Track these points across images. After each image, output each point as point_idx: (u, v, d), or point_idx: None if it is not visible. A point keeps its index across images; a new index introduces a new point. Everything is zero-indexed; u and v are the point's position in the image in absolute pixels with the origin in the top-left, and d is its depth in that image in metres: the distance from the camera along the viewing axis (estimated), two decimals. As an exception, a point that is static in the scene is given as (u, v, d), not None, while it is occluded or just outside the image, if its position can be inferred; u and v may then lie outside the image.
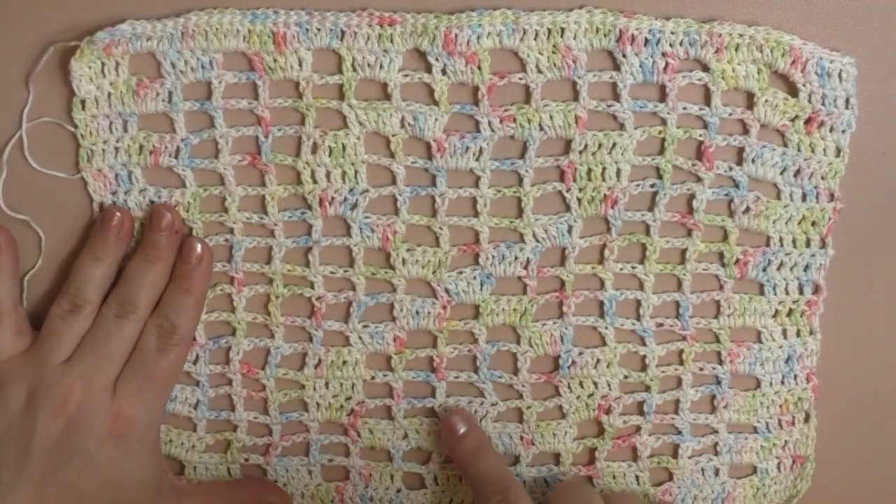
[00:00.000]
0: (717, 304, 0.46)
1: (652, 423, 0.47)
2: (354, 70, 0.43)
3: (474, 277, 0.46)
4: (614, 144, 0.44)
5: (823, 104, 0.44)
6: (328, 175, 0.45)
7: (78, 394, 0.42)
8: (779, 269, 0.46)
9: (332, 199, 0.45)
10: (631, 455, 0.48)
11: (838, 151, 0.45)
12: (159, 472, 0.44)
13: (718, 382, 0.47)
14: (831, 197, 0.45)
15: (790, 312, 0.47)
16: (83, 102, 0.44)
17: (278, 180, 0.45)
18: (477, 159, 0.44)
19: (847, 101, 0.44)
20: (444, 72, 0.43)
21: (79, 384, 0.42)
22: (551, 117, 0.44)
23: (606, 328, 0.46)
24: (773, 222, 0.45)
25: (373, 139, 0.44)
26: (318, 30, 0.43)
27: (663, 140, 0.44)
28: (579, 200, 0.45)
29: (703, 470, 0.48)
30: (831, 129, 0.44)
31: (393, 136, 0.44)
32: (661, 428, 0.48)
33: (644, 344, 0.47)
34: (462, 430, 0.46)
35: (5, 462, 0.41)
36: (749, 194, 0.45)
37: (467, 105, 0.44)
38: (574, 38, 0.43)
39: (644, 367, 0.47)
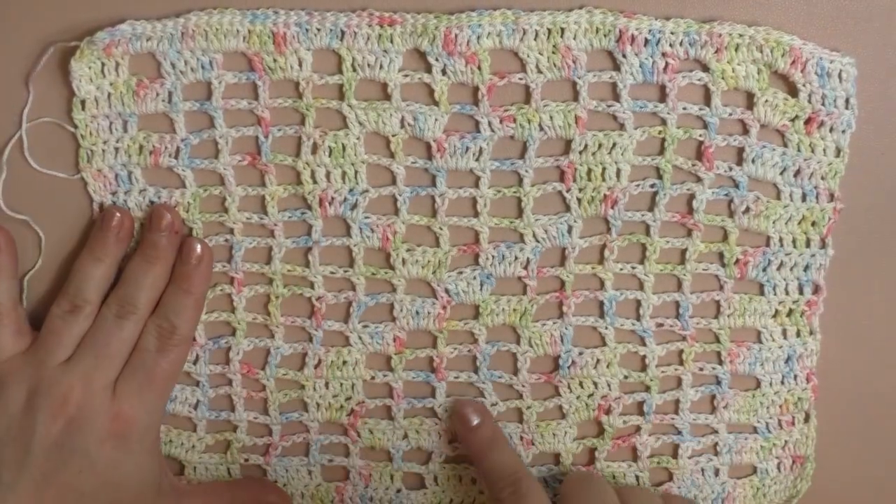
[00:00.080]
0: (717, 305, 0.46)
1: (652, 423, 0.47)
2: (354, 70, 0.43)
3: (474, 277, 0.46)
4: (614, 144, 0.44)
5: (823, 104, 0.44)
6: (328, 175, 0.45)
7: (78, 394, 0.42)
8: (779, 269, 0.46)
9: (332, 199, 0.45)
10: (631, 455, 0.48)
11: (838, 151, 0.45)
12: (159, 472, 0.44)
13: (718, 382, 0.47)
14: (831, 197, 0.45)
15: (790, 312, 0.47)
16: (83, 102, 0.44)
17: (278, 180, 0.45)
18: (477, 159, 0.44)
19: (847, 101, 0.44)
20: (444, 72, 0.43)
21: (79, 384, 0.42)
22: (551, 117, 0.44)
23: (606, 328, 0.46)
24: (773, 222, 0.45)
25: (373, 139, 0.44)
26: (318, 30, 0.43)
27: (663, 140, 0.44)
28: (579, 200, 0.45)
29: (703, 470, 0.48)
30: (831, 129, 0.44)
31: (393, 136, 0.44)
32: (661, 428, 0.48)
33: (644, 344, 0.47)
34: (475, 421, 0.46)
35: (5, 462, 0.41)
36: (749, 194, 0.45)
37: (467, 105, 0.44)
38: (574, 39, 0.43)
39: (644, 368, 0.47)
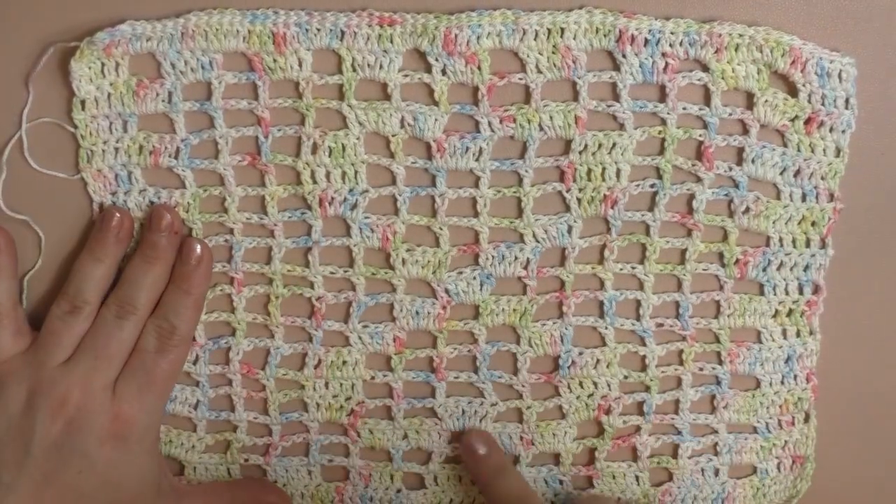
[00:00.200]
0: (717, 305, 0.46)
1: (652, 423, 0.47)
2: (354, 70, 0.43)
3: (474, 277, 0.46)
4: (614, 144, 0.44)
5: (823, 104, 0.44)
6: (328, 175, 0.45)
7: (77, 395, 0.41)
8: (779, 269, 0.46)
9: (332, 199, 0.45)
10: (631, 455, 0.48)
11: (838, 151, 0.45)
12: (159, 472, 0.44)
13: (718, 382, 0.47)
14: (831, 197, 0.45)
15: (790, 312, 0.47)
16: (83, 103, 0.44)
17: (278, 180, 0.45)
18: (477, 159, 0.44)
19: (847, 101, 0.44)
20: (444, 72, 0.43)
21: (78, 385, 0.42)
22: (551, 117, 0.44)
23: (606, 328, 0.46)
24: (773, 222, 0.45)
25: (373, 139, 0.44)
26: (318, 30, 0.43)
27: (663, 140, 0.44)
28: (579, 200, 0.45)
29: (703, 470, 0.48)
30: (831, 130, 0.44)
31: (393, 136, 0.44)
32: (661, 428, 0.48)
33: (644, 344, 0.47)
34: (482, 450, 0.46)
35: (5, 463, 0.41)
36: (749, 194, 0.45)
37: (467, 105, 0.44)
38: (574, 39, 0.43)
39: (644, 368, 0.47)
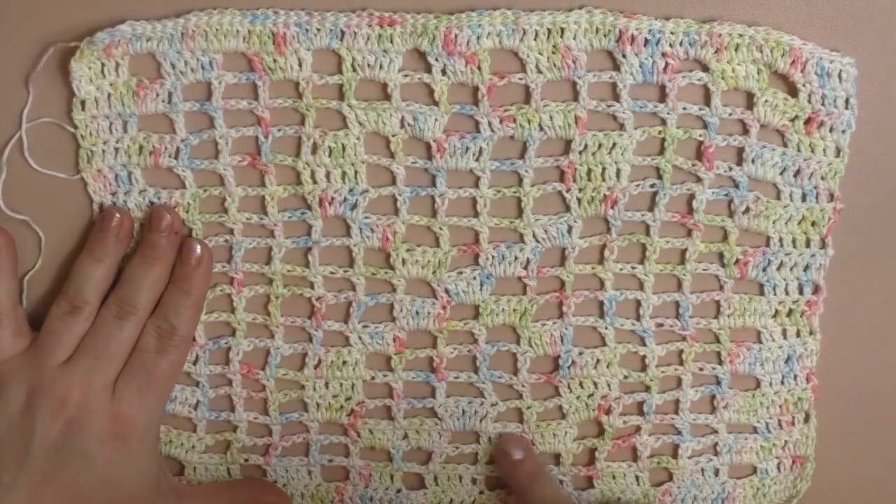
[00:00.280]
0: (717, 305, 0.46)
1: (652, 423, 0.47)
2: (354, 70, 0.43)
3: (474, 277, 0.46)
4: (614, 144, 0.44)
5: (823, 104, 0.44)
6: (328, 175, 0.45)
7: (77, 395, 0.41)
8: (779, 269, 0.46)
9: (332, 199, 0.45)
10: (631, 455, 0.48)
11: (838, 151, 0.45)
12: (158, 472, 0.44)
13: (718, 382, 0.47)
14: (831, 197, 0.45)
15: (790, 312, 0.47)
16: (83, 103, 0.44)
17: (278, 181, 0.45)
18: (477, 159, 0.44)
19: (847, 101, 0.44)
20: (443, 72, 0.43)
21: (78, 385, 0.42)
22: (551, 117, 0.44)
23: (606, 328, 0.46)
24: (773, 222, 0.45)
25: (373, 139, 0.44)
26: (318, 30, 0.43)
27: (663, 140, 0.44)
28: (579, 200, 0.45)
29: (703, 470, 0.48)
30: (831, 130, 0.44)
31: (393, 136, 0.44)
32: (661, 428, 0.48)
33: (644, 344, 0.47)
34: (518, 456, 0.46)
35: (5, 463, 0.41)
36: (749, 194, 0.45)
37: (467, 105, 0.44)
38: (574, 39, 0.43)
39: (644, 368, 0.47)
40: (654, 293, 0.46)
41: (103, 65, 0.43)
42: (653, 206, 0.45)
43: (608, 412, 0.47)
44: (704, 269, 0.46)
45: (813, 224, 0.45)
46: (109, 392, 0.42)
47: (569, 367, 0.47)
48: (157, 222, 0.44)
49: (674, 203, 0.45)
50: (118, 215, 0.44)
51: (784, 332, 0.47)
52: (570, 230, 0.45)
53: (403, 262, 0.45)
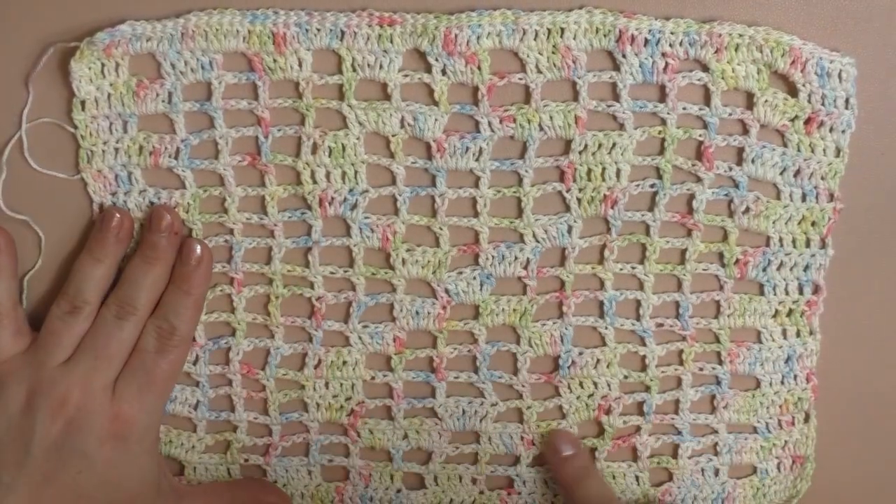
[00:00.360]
0: (717, 305, 0.46)
1: (652, 423, 0.47)
2: (354, 70, 0.43)
3: (474, 278, 0.46)
4: (614, 144, 0.44)
5: (823, 104, 0.44)
6: (328, 175, 0.45)
7: (77, 395, 0.41)
8: (779, 269, 0.46)
9: (332, 199, 0.45)
10: (631, 455, 0.48)
11: (838, 151, 0.44)
12: (158, 472, 0.44)
13: (718, 382, 0.47)
14: (831, 197, 0.45)
15: (790, 312, 0.47)
16: (83, 103, 0.44)
17: (278, 181, 0.45)
18: (477, 159, 0.44)
19: (847, 101, 0.44)
20: (443, 72, 0.43)
21: (78, 385, 0.42)
22: (551, 117, 0.44)
23: (606, 328, 0.46)
24: (773, 222, 0.45)
25: (373, 139, 0.44)
26: (318, 30, 0.43)
27: (663, 140, 0.44)
28: (579, 200, 0.45)
29: (703, 470, 0.48)
30: (831, 129, 0.44)
31: (393, 136, 0.44)
32: (661, 428, 0.48)
33: (644, 344, 0.47)
34: (568, 452, 0.46)
35: (5, 463, 0.41)
36: (749, 194, 0.45)
37: (467, 105, 0.44)
38: (574, 39, 0.43)
39: (644, 368, 0.47)
40: (654, 293, 0.46)
41: (103, 65, 0.43)
42: (653, 206, 0.45)
43: (608, 412, 0.47)
44: (704, 269, 0.46)
45: (813, 224, 0.45)
46: (109, 392, 0.42)
47: (569, 367, 0.47)
48: (157, 222, 0.44)
49: (674, 203, 0.45)
50: (118, 215, 0.44)
51: (784, 332, 0.47)
52: (570, 230, 0.45)
53: (403, 262, 0.45)
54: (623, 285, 0.46)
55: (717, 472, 0.48)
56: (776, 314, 0.47)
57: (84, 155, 0.44)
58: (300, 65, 0.43)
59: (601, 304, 0.46)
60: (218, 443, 0.48)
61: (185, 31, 0.43)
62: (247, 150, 0.44)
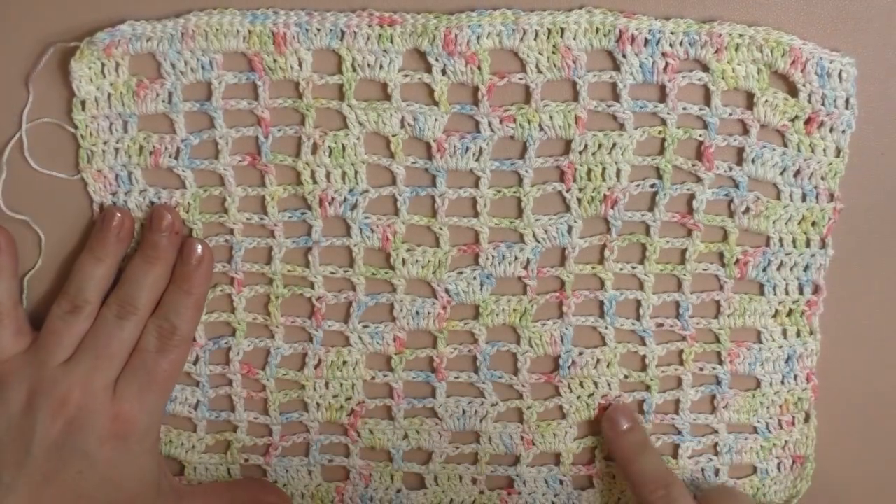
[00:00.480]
0: (717, 305, 0.46)
1: (652, 423, 0.47)
2: (354, 70, 0.43)
3: (474, 278, 0.46)
4: (614, 144, 0.44)
5: (823, 104, 0.44)
6: (328, 175, 0.45)
7: (78, 394, 0.41)
8: (779, 269, 0.46)
9: (332, 199, 0.45)
10: (631, 455, 0.48)
11: (838, 151, 0.44)
12: (159, 472, 0.44)
13: (718, 382, 0.47)
14: (831, 197, 0.45)
15: (790, 312, 0.47)
16: (83, 103, 0.44)
17: (278, 181, 0.45)
18: (477, 159, 0.44)
19: (847, 101, 0.44)
20: (444, 72, 0.43)
21: (79, 385, 0.42)
22: (551, 117, 0.44)
23: (606, 328, 0.46)
24: (773, 222, 0.45)
25: (373, 139, 0.44)
26: (318, 30, 0.43)
27: (663, 140, 0.44)
28: (579, 200, 0.45)
29: (703, 470, 0.48)
30: (831, 129, 0.44)
31: (393, 136, 0.44)
32: (661, 428, 0.48)
33: (644, 344, 0.47)
34: (625, 426, 0.46)
35: (5, 463, 0.41)
36: (749, 194, 0.45)
37: (467, 105, 0.44)
38: (574, 39, 0.43)
39: (644, 367, 0.47)
40: (654, 293, 0.46)
41: (103, 65, 0.43)
42: (653, 206, 0.45)
43: (608, 412, 0.47)
44: (704, 269, 0.46)
45: (813, 224, 0.45)
46: (110, 392, 0.42)
47: (569, 367, 0.47)
48: (157, 222, 0.44)
49: (674, 203, 0.45)
50: (119, 215, 0.44)
51: (784, 332, 0.47)
52: (570, 230, 0.45)
53: (403, 262, 0.45)
54: (623, 285, 0.46)
55: (717, 473, 0.48)
56: (776, 314, 0.47)
57: (84, 155, 0.44)
58: (300, 65, 0.43)
59: (601, 304, 0.46)
60: (218, 443, 0.48)
61: (185, 31, 0.43)
62: (247, 150, 0.45)
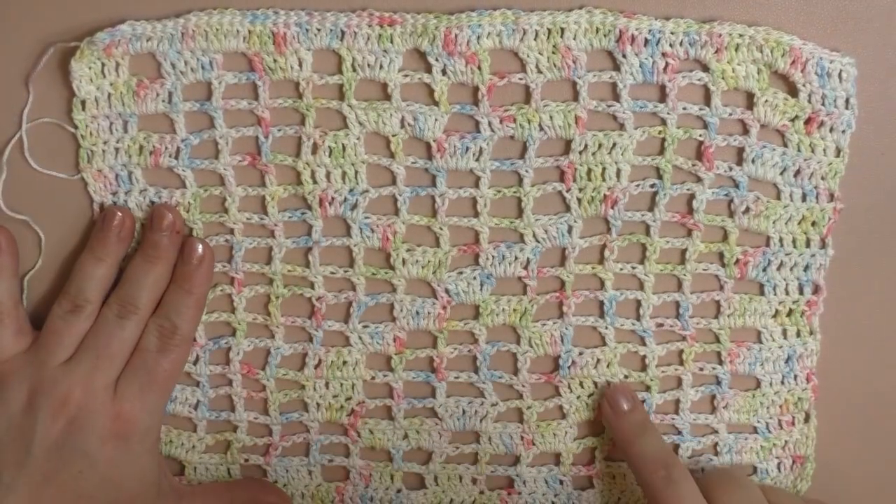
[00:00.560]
0: (717, 304, 0.46)
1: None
2: (354, 70, 0.43)
3: (474, 278, 0.46)
4: (614, 144, 0.44)
5: (823, 104, 0.44)
6: (328, 175, 0.45)
7: (78, 394, 0.42)
8: (779, 269, 0.46)
9: (332, 199, 0.45)
10: (631, 455, 0.48)
11: (838, 151, 0.45)
12: (159, 472, 0.44)
13: (718, 382, 0.47)
14: (831, 197, 0.45)
15: (790, 312, 0.47)
16: (83, 103, 0.44)
17: (278, 181, 0.45)
18: (477, 159, 0.44)
19: (847, 101, 0.44)
20: (444, 72, 0.43)
21: (79, 385, 0.42)
22: (551, 117, 0.44)
23: (606, 328, 0.46)
24: (773, 222, 0.45)
25: (373, 139, 0.44)
26: (318, 30, 0.43)
27: (663, 140, 0.44)
28: (579, 200, 0.45)
29: (703, 470, 0.48)
30: (831, 129, 0.44)
31: (393, 136, 0.44)
32: (661, 428, 0.48)
33: (644, 344, 0.47)
34: (626, 406, 0.46)
35: (5, 462, 0.41)
36: (749, 194, 0.45)
37: (467, 105, 0.44)
38: (574, 39, 0.43)
39: (644, 367, 0.47)
40: (654, 293, 0.46)
41: (103, 65, 0.43)
42: (653, 206, 0.45)
43: (608, 412, 0.47)
44: (704, 269, 0.46)
45: (813, 224, 0.45)
46: (111, 391, 0.42)
47: (569, 367, 0.47)
48: (158, 221, 0.44)
49: (674, 203, 0.45)
50: (119, 214, 0.44)
51: (784, 332, 0.47)
52: (570, 230, 0.45)
53: (403, 262, 0.45)
54: (623, 285, 0.46)
55: (717, 472, 0.48)
56: (776, 314, 0.47)
57: (84, 155, 0.44)
58: (300, 65, 0.43)
59: (601, 304, 0.46)
60: (218, 443, 0.48)
61: (186, 31, 0.43)
62: (247, 150, 0.45)
